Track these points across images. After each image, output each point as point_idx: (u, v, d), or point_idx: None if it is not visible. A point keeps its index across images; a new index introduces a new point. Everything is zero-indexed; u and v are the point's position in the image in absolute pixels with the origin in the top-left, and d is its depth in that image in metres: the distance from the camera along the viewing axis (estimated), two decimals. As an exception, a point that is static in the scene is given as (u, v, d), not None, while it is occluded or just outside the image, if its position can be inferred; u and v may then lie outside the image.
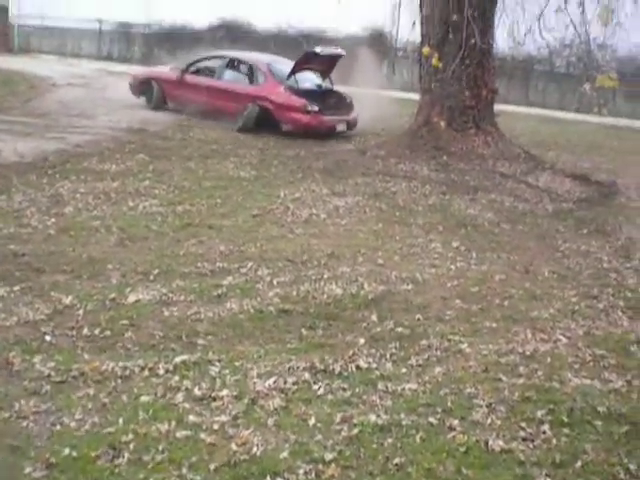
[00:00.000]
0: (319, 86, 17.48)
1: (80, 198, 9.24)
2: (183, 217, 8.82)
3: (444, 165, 12.96)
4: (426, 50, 14.26)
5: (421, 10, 14.96)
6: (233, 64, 17.88)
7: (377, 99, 21.26)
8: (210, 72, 17.96)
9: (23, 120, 15.34)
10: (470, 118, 14.43)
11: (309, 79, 17.45)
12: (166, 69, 19.49)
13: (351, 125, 16.99)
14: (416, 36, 15.61)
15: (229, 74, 17.68)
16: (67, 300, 6.00)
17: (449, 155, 13.44)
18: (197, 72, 18.07)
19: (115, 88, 21.85)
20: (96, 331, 5.47)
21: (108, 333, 5.45)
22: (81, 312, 5.81)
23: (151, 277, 6.70)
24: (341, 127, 16.74)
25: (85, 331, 5.46)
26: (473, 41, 13.35)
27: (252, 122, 16.27)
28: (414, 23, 15.37)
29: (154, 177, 10.73)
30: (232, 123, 16.30)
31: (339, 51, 17.18)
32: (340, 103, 17.18)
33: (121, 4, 36.20)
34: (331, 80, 17.70)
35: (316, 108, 16.17)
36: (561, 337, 6.09)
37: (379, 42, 33.68)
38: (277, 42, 32.68)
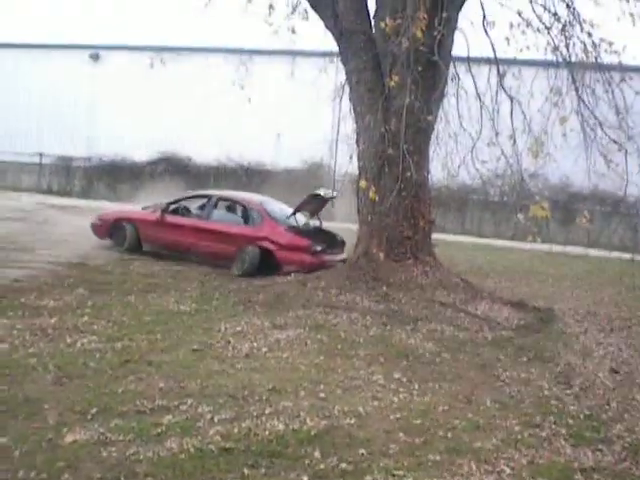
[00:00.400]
0: (314, 226, 17.40)
1: (17, 335, 9.07)
2: (122, 353, 8.69)
3: (384, 296, 13.05)
4: (363, 183, 14.55)
5: (358, 145, 15.38)
6: (222, 204, 17.55)
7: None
8: (196, 212, 17.61)
9: (-41, 255, 15.20)
10: (408, 248, 14.64)
11: (301, 219, 17.24)
12: (138, 209, 19.04)
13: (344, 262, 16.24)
14: (354, 169, 16.00)
15: (219, 214, 17.32)
16: (2, 441, 5.83)
17: (388, 285, 13.56)
18: (179, 212, 17.66)
19: (55, 222, 21.88)
20: (32, 474, 5.30)
21: (44, 476, 5.29)
22: (17, 454, 5.63)
23: (89, 416, 6.54)
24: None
25: (21, 474, 5.29)
26: (409, 174, 13.69)
27: (255, 264, 15.82)
28: (351, 157, 15.78)
29: (93, 312, 10.61)
30: (224, 266, 16.00)
31: (335, 194, 17.13)
32: (334, 241, 17.17)
33: (62, 138, 36.61)
34: (320, 219, 17.59)
35: (319, 248, 16.15)
36: (505, 467, 6.08)
37: (317, 175, 34.45)
38: (217, 175, 33.21)
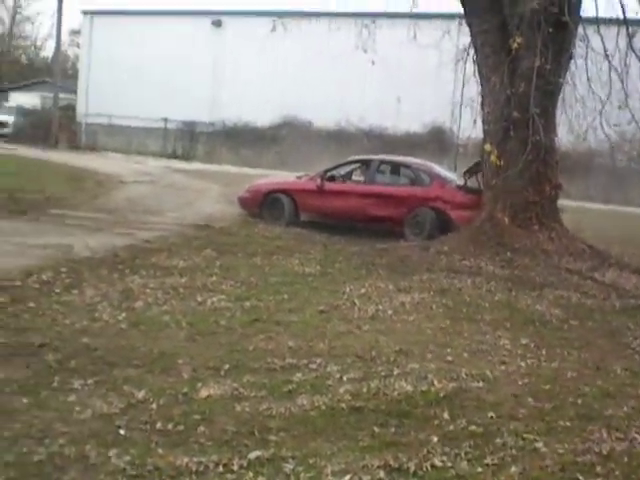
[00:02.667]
0: (475, 185, 16.60)
1: (150, 293, 9.39)
2: (251, 312, 8.90)
3: (508, 261, 12.92)
4: (487, 147, 14.44)
5: (482, 108, 15.17)
6: (385, 167, 17.32)
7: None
8: (357, 177, 17.44)
9: (93, 216, 15.78)
10: (534, 214, 14.42)
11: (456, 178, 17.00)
12: (291, 179, 18.90)
13: None
14: (477, 133, 15.81)
15: (383, 177, 17.09)
16: (140, 394, 6.04)
17: (513, 251, 13.40)
18: (338, 179, 17.40)
19: (180, 185, 22.41)
20: (169, 425, 5.48)
21: (181, 428, 5.47)
22: (154, 406, 5.84)
23: (222, 372, 6.73)
24: None
25: (159, 425, 5.48)
26: (537, 137, 13.45)
27: (435, 228, 15.52)
28: (475, 121, 15.59)
29: (221, 272, 10.87)
30: (392, 231, 15.82)
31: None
32: None
33: (186, 103, 37.28)
34: (477, 178, 16.64)
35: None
36: (637, 436, 5.93)
37: (439, 139, 34.15)
38: (338, 139, 33.29)
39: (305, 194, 17.21)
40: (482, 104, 15.18)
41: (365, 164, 17.56)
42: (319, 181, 17.09)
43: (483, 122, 15.12)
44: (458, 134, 18.11)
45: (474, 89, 15.65)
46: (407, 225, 15.88)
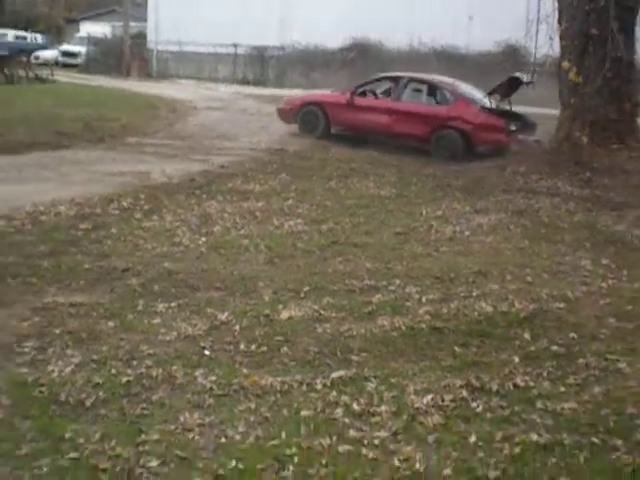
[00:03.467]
0: (505, 107, 16.75)
1: (228, 217, 9.50)
2: (328, 235, 8.94)
3: (587, 181, 12.69)
4: (565, 64, 14.09)
5: (560, 24, 14.75)
6: (412, 85, 17.08)
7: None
8: (385, 94, 17.45)
9: (168, 143, 15.92)
10: (613, 132, 14.10)
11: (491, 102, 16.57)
12: (326, 92, 19.23)
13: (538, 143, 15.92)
14: (553, 51, 15.40)
15: (410, 95, 16.95)
16: (223, 316, 6.16)
17: (592, 170, 13.14)
18: (368, 95, 17.55)
19: (252, 110, 22.39)
20: (253, 346, 5.59)
21: (264, 348, 5.57)
22: (237, 328, 5.95)
23: (301, 294, 6.80)
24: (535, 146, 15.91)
25: (242, 346, 5.59)
26: (616, 54, 13.07)
27: (460, 150, 15.47)
28: (551, 37, 15.19)
29: (297, 196, 10.92)
30: (417, 148, 15.89)
31: (534, 79, 16.99)
32: (527, 123, 16.50)
33: (256, 28, 37.02)
34: (510, 102, 16.87)
35: (514, 128, 15.67)
36: None
37: (513, 58, 33.34)
38: (409, 60, 32.72)
39: (336, 108, 17.40)
40: (559, 20, 14.76)
41: (394, 81, 17.47)
42: (349, 96, 17.22)
43: (560, 39, 14.72)
44: (535, 52, 17.63)
45: (549, 5, 15.21)
46: (433, 143, 15.85)
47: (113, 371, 5.08)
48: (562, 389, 5.07)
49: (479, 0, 31.70)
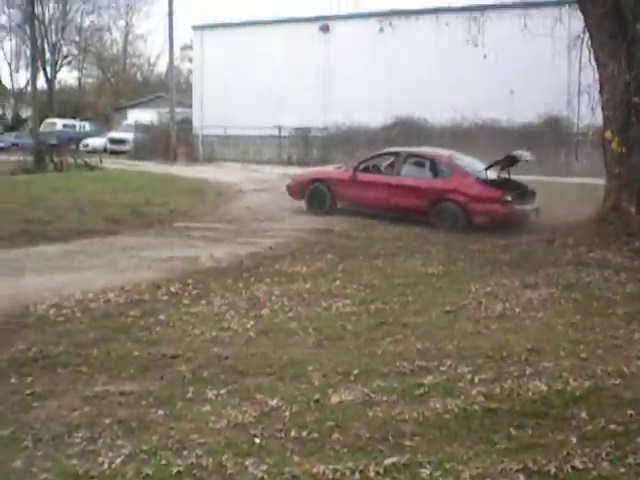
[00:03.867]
0: (501, 177, 17.21)
1: (275, 300, 9.49)
2: (376, 316, 8.88)
3: (637, 252, 12.53)
4: (608, 134, 14.08)
5: (601, 94, 14.77)
6: (411, 159, 17.69)
7: (559, 186, 20.94)
8: (385, 169, 17.97)
9: (215, 226, 16.08)
10: (660, 202, 13.96)
11: (491, 174, 17.03)
12: (331, 169, 20.09)
13: (538, 214, 16.60)
14: (596, 120, 15.42)
15: (408, 169, 17.46)
16: (273, 402, 6.10)
17: (641, 241, 13.00)
18: (370, 170, 18.13)
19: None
20: (304, 433, 5.52)
21: (315, 435, 5.49)
22: (287, 414, 5.88)
23: (351, 377, 6.72)
24: (532, 216, 16.56)
25: (293, 433, 5.52)
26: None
27: (457, 220, 15.97)
28: (593, 108, 15.22)
29: (344, 277, 10.89)
30: (417, 220, 16.36)
31: (531, 157, 17.32)
32: (525, 192, 16.88)
33: (299, 109, 37.62)
34: (509, 171, 17.38)
35: (509, 198, 15.94)
36: None
37: (555, 129, 33.38)
38: (453, 135, 32.87)
39: (340, 183, 18.17)
40: (600, 91, 14.78)
41: (394, 156, 18.08)
42: (352, 172, 18.03)
43: (602, 109, 14.72)
44: (577, 122, 17.62)
45: (590, 76, 15.30)
46: (433, 216, 16.37)
47: (163, 461, 5.04)
48: (622, 470, 4.92)
49: (520, 73, 31.93)
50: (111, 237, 14.53)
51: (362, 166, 18.16)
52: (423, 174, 17.28)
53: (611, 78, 14.31)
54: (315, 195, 18.54)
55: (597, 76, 14.87)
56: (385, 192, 17.16)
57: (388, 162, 18.18)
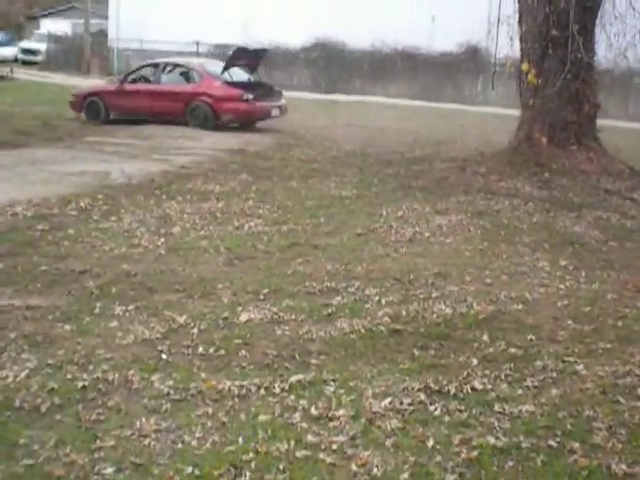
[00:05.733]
0: (249, 79, 20.18)
1: (187, 218, 9.44)
2: (288, 236, 8.91)
3: (546, 182, 12.79)
4: (525, 66, 14.19)
5: (520, 26, 14.84)
6: (169, 69, 19.98)
7: (472, 115, 21.09)
8: (148, 79, 19.97)
9: (128, 142, 15.80)
10: (572, 134, 14.24)
11: (240, 74, 20.00)
12: (102, 83, 22.73)
13: (283, 110, 19.66)
14: (514, 52, 15.52)
15: (167, 78, 19.73)
16: (181, 319, 6.10)
17: (551, 172, 13.27)
18: (136, 81, 20.05)
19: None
20: (211, 350, 5.54)
21: (223, 352, 5.52)
22: (195, 331, 5.90)
23: (261, 296, 6.77)
24: (275, 112, 19.42)
25: (200, 350, 5.54)
26: (577, 55, 13.18)
27: (207, 118, 18.35)
28: (511, 38, 15.31)
29: (257, 197, 10.88)
30: (174, 121, 18.42)
31: (263, 47, 20.92)
32: (270, 92, 19.90)
33: (218, 26, 36.86)
34: (259, 74, 20.98)
35: (251, 96, 18.48)
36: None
37: (474, 59, 33.56)
38: (372, 61, 32.82)
39: (110, 95, 20.00)
40: (519, 22, 14.85)
41: (155, 67, 20.27)
42: (119, 84, 20.11)
43: (520, 40, 14.82)
44: (495, 53, 17.69)
45: (510, 7, 15.33)
46: (188, 117, 18.61)
47: (69, 376, 5.01)
48: (519, 392, 5.08)
49: (441, 1, 31.82)
50: (20, 149, 14.18)
51: (129, 78, 20.18)
52: (179, 81, 19.59)
53: (531, 10, 14.39)
54: (91, 107, 19.87)
55: (517, 6, 14.92)
56: (148, 99, 19.09)
57: (150, 73, 20.13)
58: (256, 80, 20.65)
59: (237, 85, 19.10)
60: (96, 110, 19.76)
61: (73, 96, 20.58)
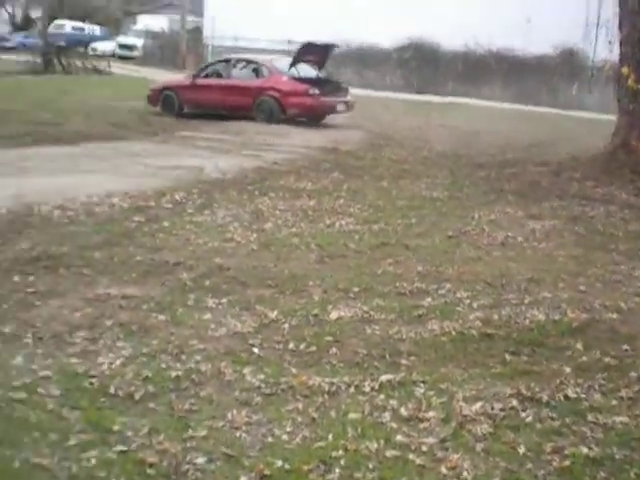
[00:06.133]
0: (317, 75, 20.82)
1: (279, 215, 9.51)
2: (379, 236, 8.91)
3: (643, 190, 12.49)
4: (625, 70, 13.88)
5: (620, 30, 14.54)
6: (239, 65, 20.73)
7: (567, 119, 20.74)
8: (219, 74, 20.81)
9: (221, 137, 16.00)
10: (670, 141, 13.86)
11: (307, 70, 20.51)
12: (180, 77, 23.34)
13: (349, 106, 20.18)
14: (612, 56, 15.23)
15: (237, 73, 20.48)
16: (272, 314, 6.16)
17: (648, 179, 12.95)
18: (207, 76, 20.85)
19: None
20: (301, 346, 5.58)
21: (313, 348, 5.55)
22: (286, 326, 5.95)
23: (351, 294, 6.78)
24: (341, 107, 19.94)
25: (291, 345, 5.58)
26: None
27: (273, 111, 18.99)
28: (610, 42, 15.01)
29: (349, 196, 10.91)
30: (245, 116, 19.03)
31: (332, 42, 20.96)
32: (336, 88, 20.47)
33: (310, 24, 37.02)
34: (326, 70, 21.77)
35: (317, 91, 19.06)
36: None
37: (570, 62, 32.99)
38: (466, 62, 32.55)
39: (184, 89, 20.68)
40: (619, 26, 14.53)
41: (226, 62, 21.15)
42: (192, 78, 21.02)
43: (620, 44, 14.50)
44: (593, 56, 17.34)
45: (610, 10, 15.03)
46: (256, 111, 19.22)
47: (163, 365, 5.10)
48: (614, 402, 4.97)
49: (538, 2, 31.35)
50: (117, 142, 14.50)
51: (202, 73, 21.08)
52: (248, 76, 20.25)
53: (632, 13, 14.07)
54: (166, 101, 20.61)
55: (617, 10, 14.62)
56: (219, 93, 19.81)
57: (222, 68, 20.97)
58: (323, 76, 21.36)
59: (303, 80, 19.69)
60: (171, 104, 20.46)
61: (151, 90, 21.30)
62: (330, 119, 20.53)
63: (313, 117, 19.84)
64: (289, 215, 9.52)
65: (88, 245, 7.70)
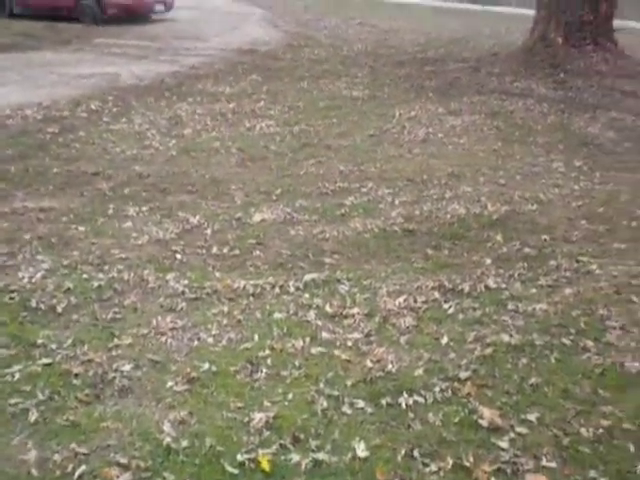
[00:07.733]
0: None
1: (198, 120, 9.37)
2: (300, 137, 8.85)
3: (561, 82, 12.57)
4: (542, -38, 13.82)
5: None
6: None
7: (485, 15, 20.68)
8: None
9: (136, 43, 15.59)
10: (588, 34, 13.92)
11: None
12: None
13: (168, 6, 20.68)
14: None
15: None
16: (194, 220, 6.11)
17: (566, 72, 13.03)
18: None
19: (224, 10, 21.86)
20: (225, 250, 5.56)
21: (237, 252, 5.54)
22: (209, 231, 5.91)
23: (274, 197, 6.76)
24: (159, 7, 20.49)
25: (214, 250, 5.56)
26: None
27: (97, 13, 19.15)
28: None
29: (268, 98, 10.78)
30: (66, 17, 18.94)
31: None
32: None
33: None
34: None
35: None
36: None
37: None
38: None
39: None
40: None
41: None
42: None
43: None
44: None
45: None
46: (78, 12, 19.28)
47: (84, 276, 5.03)
48: (533, 291, 5.08)
49: None
50: (29, 52, 14.01)
51: None
52: None
53: None
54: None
55: None
56: None
57: None
58: None
59: None
60: (2, 4, 20.07)
61: None
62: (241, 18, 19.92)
63: (133, 16, 19.85)
64: (208, 120, 9.38)
65: (2, 159, 7.50)
